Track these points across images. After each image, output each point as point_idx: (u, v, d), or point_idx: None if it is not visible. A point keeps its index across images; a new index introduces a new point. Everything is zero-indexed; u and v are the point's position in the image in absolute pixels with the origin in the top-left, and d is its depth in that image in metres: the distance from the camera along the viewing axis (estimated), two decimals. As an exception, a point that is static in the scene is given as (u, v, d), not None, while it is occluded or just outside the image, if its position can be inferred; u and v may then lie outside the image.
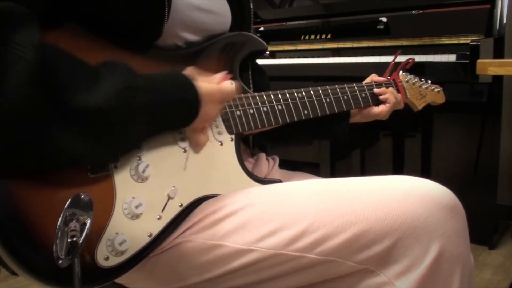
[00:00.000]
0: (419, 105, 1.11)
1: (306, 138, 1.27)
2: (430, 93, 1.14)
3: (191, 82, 0.66)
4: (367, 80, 1.05)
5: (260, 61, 1.01)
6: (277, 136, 0.96)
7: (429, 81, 1.15)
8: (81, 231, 0.56)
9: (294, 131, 0.96)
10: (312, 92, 0.88)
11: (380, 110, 1.01)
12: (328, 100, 0.90)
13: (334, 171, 2.07)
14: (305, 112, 0.86)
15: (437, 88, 1.16)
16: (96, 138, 0.55)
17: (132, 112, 0.58)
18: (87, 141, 0.54)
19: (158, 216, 0.65)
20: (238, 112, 0.77)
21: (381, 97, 1.01)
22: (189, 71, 0.68)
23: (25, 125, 0.49)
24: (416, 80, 1.12)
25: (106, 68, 0.58)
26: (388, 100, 1.01)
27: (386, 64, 1.10)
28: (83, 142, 0.54)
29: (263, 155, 0.94)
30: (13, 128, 0.49)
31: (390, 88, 1.03)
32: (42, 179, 0.56)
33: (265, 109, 0.80)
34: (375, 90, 1.01)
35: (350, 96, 0.94)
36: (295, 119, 0.84)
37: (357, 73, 1.68)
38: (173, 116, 0.65)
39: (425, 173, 1.96)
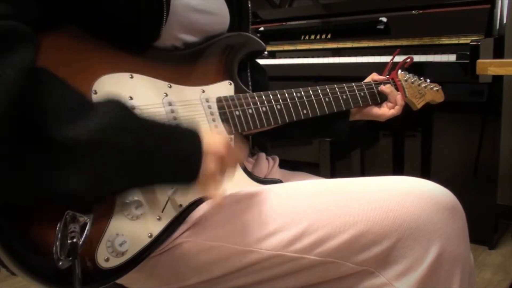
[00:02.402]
0: (418, 104, 1.11)
1: (306, 136, 1.27)
2: (429, 91, 1.14)
3: (196, 131, 0.61)
4: (368, 79, 1.05)
5: (260, 61, 1.01)
6: (276, 135, 0.96)
7: (428, 80, 1.15)
8: (81, 232, 0.56)
9: (294, 130, 0.96)
10: (311, 92, 0.88)
11: (381, 112, 1.00)
12: (327, 99, 0.90)
13: (334, 171, 2.06)
14: (304, 111, 0.86)
15: (436, 87, 1.16)
16: (71, 174, 0.51)
17: (112, 152, 0.53)
18: (62, 175, 0.50)
19: (158, 217, 0.65)
20: (237, 112, 0.77)
21: (390, 97, 1.01)
22: None
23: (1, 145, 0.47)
24: (415, 79, 1.12)
25: (103, 102, 0.56)
26: (396, 108, 1.00)
27: (386, 64, 1.10)
28: (56, 175, 0.50)
29: (263, 155, 0.94)
30: None
31: (388, 85, 1.03)
32: None
33: (264, 109, 0.80)
34: (381, 87, 1.01)
35: (349, 96, 0.94)
36: (294, 118, 0.84)
37: (357, 73, 1.67)
38: (165, 164, 0.58)
39: (425, 173, 1.95)
